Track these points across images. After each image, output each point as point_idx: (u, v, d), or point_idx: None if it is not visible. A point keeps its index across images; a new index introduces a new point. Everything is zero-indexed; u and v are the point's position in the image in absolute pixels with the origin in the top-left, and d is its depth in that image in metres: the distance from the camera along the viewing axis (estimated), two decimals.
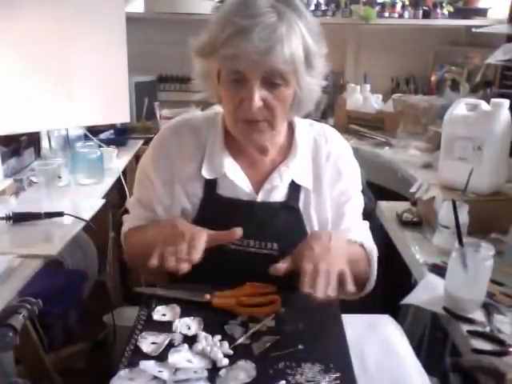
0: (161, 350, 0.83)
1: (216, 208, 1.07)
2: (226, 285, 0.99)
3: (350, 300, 1.07)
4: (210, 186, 1.08)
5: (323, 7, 2.78)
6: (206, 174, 1.08)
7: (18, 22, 1.67)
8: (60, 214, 1.40)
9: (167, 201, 1.11)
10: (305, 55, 0.96)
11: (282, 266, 0.90)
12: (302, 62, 0.96)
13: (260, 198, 1.08)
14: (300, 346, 0.85)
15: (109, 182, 1.83)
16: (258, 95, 0.95)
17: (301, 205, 1.08)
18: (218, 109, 1.13)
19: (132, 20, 2.07)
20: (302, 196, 1.09)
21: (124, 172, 2.04)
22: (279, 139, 1.10)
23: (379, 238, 1.24)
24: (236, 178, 1.08)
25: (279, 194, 1.08)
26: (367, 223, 1.19)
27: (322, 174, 1.11)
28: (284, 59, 0.92)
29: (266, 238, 1.06)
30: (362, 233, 1.13)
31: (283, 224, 1.07)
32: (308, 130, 1.14)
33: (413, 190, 1.60)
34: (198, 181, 1.09)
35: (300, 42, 0.95)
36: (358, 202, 1.16)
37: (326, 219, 1.10)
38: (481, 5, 2.81)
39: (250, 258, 1.05)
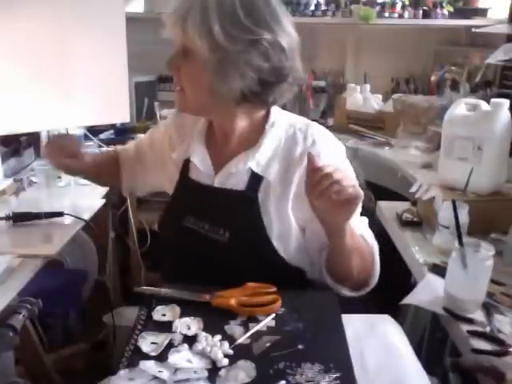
0: (161, 350, 0.83)
1: (185, 190, 1.14)
2: (184, 262, 1.11)
3: (350, 298, 1.07)
4: (184, 169, 1.15)
5: (323, 7, 2.77)
6: (175, 154, 1.16)
7: (18, 21, 1.67)
8: (60, 214, 1.40)
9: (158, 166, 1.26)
10: (204, 32, 0.96)
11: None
12: (196, 38, 0.96)
13: (217, 183, 1.10)
14: (300, 346, 0.85)
15: None
16: (172, 60, 1.03)
17: (260, 196, 1.06)
18: None
19: (132, 20, 2.07)
20: (262, 187, 1.07)
21: None
22: (239, 126, 1.09)
23: (379, 238, 1.23)
24: (199, 162, 1.11)
25: (238, 182, 1.08)
26: (366, 219, 1.16)
27: (293, 170, 1.07)
28: (178, 26, 0.99)
29: (218, 223, 1.07)
30: (362, 228, 1.11)
31: (238, 213, 1.07)
32: (288, 124, 1.11)
33: (413, 190, 1.60)
34: (176, 163, 1.17)
35: (197, 19, 0.96)
36: None
37: (287, 215, 1.06)
38: (481, 5, 2.81)
39: (202, 241, 1.08)
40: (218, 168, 1.11)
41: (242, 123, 1.09)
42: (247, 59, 0.98)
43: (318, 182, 0.90)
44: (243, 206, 1.07)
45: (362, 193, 0.92)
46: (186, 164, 1.14)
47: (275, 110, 1.12)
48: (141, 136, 1.45)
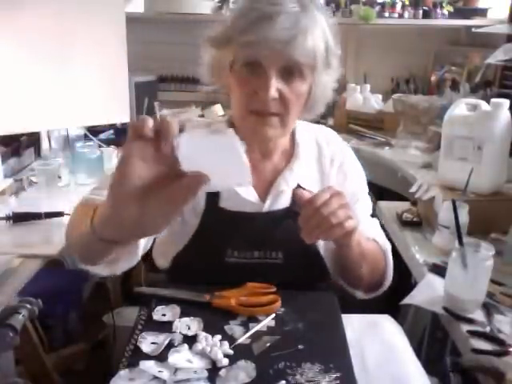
0: (161, 350, 0.83)
1: (218, 221, 1.03)
2: None
3: (350, 298, 1.07)
4: (212, 198, 1.02)
5: None
6: None
7: (19, 21, 1.67)
8: (60, 214, 1.40)
9: None
10: (325, 51, 0.95)
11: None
12: (322, 57, 0.94)
13: (266, 206, 1.04)
14: (300, 346, 0.85)
15: None
16: (275, 86, 0.91)
17: None
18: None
19: (132, 20, 2.07)
20: None
21: None
22: (284, 141, 1.07)
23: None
24: (240, 189, 1.02)
25: (285, 200, 1.05)
26: (377, 221, 1.16)
27: (328, 177, 1.09)
28: (305, 51, 0.91)
29: (270, 247, 1.03)
30: (373, 230, 1.11)
31: (288, 230, 1.01)
32: (309, 131, 1.12)
33: (413, 190, 1.60)
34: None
35: (321, 36, 0.94)
36: (366, 203, 1.14)
37: None
38: (481, 5, 2.81)
39: (254, 270, 1.02)
40: (261, 191, 1.04)
41: (286, 139, 1.07)
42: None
43: (310, 216, 0.83)
44: (292, 223, 0.97)
45: (357, 223, 0.86)
46: (213, 194, 1.01)
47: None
48: None
